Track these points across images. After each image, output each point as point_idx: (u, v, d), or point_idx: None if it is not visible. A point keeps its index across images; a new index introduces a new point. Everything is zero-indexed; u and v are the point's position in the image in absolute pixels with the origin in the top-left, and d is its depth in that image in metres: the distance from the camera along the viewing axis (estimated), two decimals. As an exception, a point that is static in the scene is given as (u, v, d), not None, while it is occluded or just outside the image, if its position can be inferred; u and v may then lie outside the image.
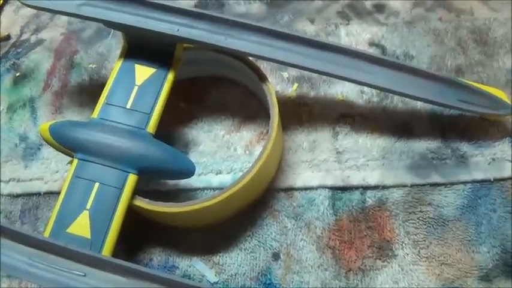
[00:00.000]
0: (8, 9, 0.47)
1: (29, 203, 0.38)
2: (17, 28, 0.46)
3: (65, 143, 0.34)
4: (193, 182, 0.36)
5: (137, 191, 0.33)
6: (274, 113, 0.35)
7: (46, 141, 0.34)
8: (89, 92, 0.41)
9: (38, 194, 0.38)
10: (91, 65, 0.42)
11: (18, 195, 0.38)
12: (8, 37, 0.45)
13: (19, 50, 0.44)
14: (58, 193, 0.37)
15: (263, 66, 0.37)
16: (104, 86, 0.36)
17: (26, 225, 0.37)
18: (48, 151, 0.39)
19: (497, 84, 0.40)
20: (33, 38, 0.45)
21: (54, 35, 0.45)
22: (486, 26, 0.43)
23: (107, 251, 0.32)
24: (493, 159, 0.37)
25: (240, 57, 0.37)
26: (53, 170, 0.39)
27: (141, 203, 0.33)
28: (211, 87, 0.40)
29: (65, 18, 0.45)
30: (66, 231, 0.32)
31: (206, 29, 0.35)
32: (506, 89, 0.40)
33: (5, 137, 0.40)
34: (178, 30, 0.35)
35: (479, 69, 0.41)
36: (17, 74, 0.43)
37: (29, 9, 0.37)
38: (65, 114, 0.40)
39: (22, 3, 0.35)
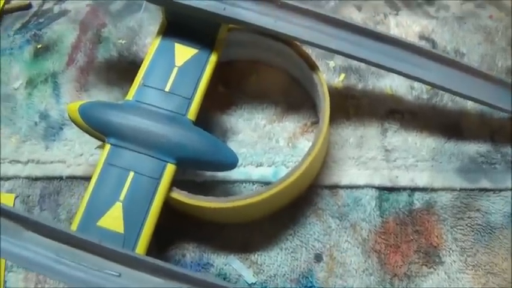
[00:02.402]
0: (28, -24, 0.41)
1: (50, 188, 0.33)
2: (38, -4, 0.40)
3: (96, 125, 0.28)
4: (231, 173, 0.31)
5: (174, 181, 0.28)
6: (326, 106, 0.30)
7: (75, 123, 0.29)
8: (118, 69, 0.35)
9: (60, 178, 0.33)
10: (120, 41, 0.36)
11: (37, 178, 0.33)
12: (29, 6, 0.39)
13: (41, 20, 0.38)
14: (82, 178, 0.33)
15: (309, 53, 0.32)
16: (135, 63, 0.30)
17: (45, 211, 0.32)
18: (72, 132, 0.34)
19: (548, 88, 0.36)
20: (56, 8, 0.39)
21: (80, 6, 0.38)
22: (537, 26, 0.38)
23: (141, 247, 0.27)
24: (543, 167, 0.33)
25: (289, 41, 0.32)
26: (77, 153, 0.33)
27: (180, 196, 0.28)
28: (251, 71, 0.35)
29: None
30: (97, 224, 0.27)
31: (254, 9, 0.30)
32: (555, 93, 0.36)
33: (23, 114, 0.35)
34: (224, 9, 0.30)
35: (530, 71, 0.36)
36: (39, 46, 0.37)
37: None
38: (91, 93, 0.35)
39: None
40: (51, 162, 0.34)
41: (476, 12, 0.39)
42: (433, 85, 0.32)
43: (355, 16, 0.37)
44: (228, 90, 0.35)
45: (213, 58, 0.31)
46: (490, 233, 0.32)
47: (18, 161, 0.34)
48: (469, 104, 0.34)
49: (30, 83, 0.36)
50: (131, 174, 0.28)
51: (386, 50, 0.31)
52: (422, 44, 0.36)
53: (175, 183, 0.29)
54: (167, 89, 0.30)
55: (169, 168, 0.28)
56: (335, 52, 0.30)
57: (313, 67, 0.31)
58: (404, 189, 0.32)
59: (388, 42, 0.31)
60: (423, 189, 0.32)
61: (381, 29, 0.36)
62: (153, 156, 0.28)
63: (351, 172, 0.32)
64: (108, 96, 0.34)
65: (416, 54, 0.31)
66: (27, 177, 0.33)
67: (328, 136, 0.32)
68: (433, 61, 0.32)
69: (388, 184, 0.32)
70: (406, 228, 0.31)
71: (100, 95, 0.35)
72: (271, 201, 0.29)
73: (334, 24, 0.31)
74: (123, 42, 0.36)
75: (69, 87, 0.35)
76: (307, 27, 0.31)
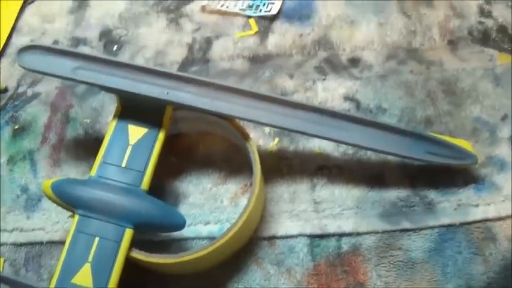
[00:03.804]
0: (4, 62, 0.54)
1: (32, 252, 0.45)
2: (13, 81, 0.53)
3: (66, 200, 0.40)
4: (184, 232, 0.43)
5: (133, 242, 0.40)
6: (257, 169, 0.42)
7: (49, 198, 0.41)
8: (85, 146, 0.48)
9: (41, 243, 0.45)
10: (86, 120, 0.49)
11: (21, 244, 0.45)
12: (5, 89, 0.52)
13: (16, 103, 0.51)
14: (59, 242, 0.45)
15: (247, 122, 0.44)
16: (98, 140, 0.42)
17: (30, 272, 0.44)
18: (48, 202, 0.45)
19: (464, 132, 0.47)
20: (29, 91, 0.52)
21: (50, 89, 0.52)
22: (455, 76, 0.50)
23: (108, 300, 0.39)
24: (459, 205, 0.44)
25: (225, 117, 0.44)
26: (54, 221, 0.45)
27: (138, 255, 0.40)
28: (199, 142, 0.47)
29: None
30: (71, 282, 0.39)
31: (193, 92, 0.42)
32: (472, 137, 0.47)
33: (7, 188, 0.47)
34: (167, 93, 0.42)
35: (448, 119, 0.48)
36: (16, 127, 0.50)
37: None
38: (63, 167, 0.47)
39: (20, 65, 0.42)
40: (33, 229, 0.45)
41: (398, 69, 0.51)
42: (353, 145, 0.43)
43: (287, 84, 0.49)
44: (179, 160, 0.47)
45: (161, 135, 0.43)
46: (412, 268, 0.43)
47: (5, 230, 0.46)
48: (391, 156, 0.46)
49: (11, 160, 0.48)
50: (97, 239, 0.40)
51: (310, 118, 0.42)
52: (347, 104, 0.48)
53: (138, 243, 0.40)
54: (123, 164, 0.42)
55: (128, 233, 0.40)
56: (264, 125, 0.42)
57: (246, 137, 0.43)
58: (332, 235, 0.43)
59: (311, 111, 0.43)
60: (349, 234, 0.43)
61: (309, 94, 0.48)
62: (113, 223, 0.40)
63: (286, 224, 0.44)
64: (77, 170, 0.47)
65: (338, 119, 0.43)
66: (13, 244, 0.45)
67: (262, 194, 0.43)
68: (353, 123, 0.43)
69: (318, 232, 0.43)
70: (336, 269, 0.43)
71: (70, 169, 0.47)
72: (216, 254, 0.41)
73: (263, 100, 0.42)
74: (88, 121, 0.49)
75: (44, 163, 0.48)
76: (239, 105, 0.42)
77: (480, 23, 0.54)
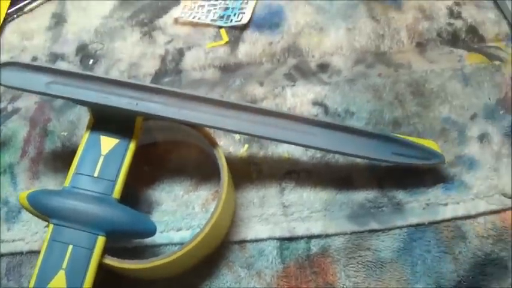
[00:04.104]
0: (-15, 79, 0.58)
1: (13, 262, 0.47)
2: (-6, 97, 0.56)
3: (41, 210, 0.43)
4: (156, 238, 0.46)
5: (108, 249, 0.43)
6: (224, 176, 0.44)
7: (25, 209, 0.44)
8: (62, 158, 0.51)
9: (21, 253, 0.48)
10: (63, 133, 0.52)
11: (2, 255, 0.48)
12: (-14, 106, 0.56)
13: (-3, 119, 0.55)
14: (38, 252, 0.47)
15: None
16: (75, 152, 0.45)
17: (11, 281, 0.47)
18: (28, 214, 0.48)
19: (433, 133, 0.50)
20: (9, 107, 0.55)
21: (29, 104, 0.55)
22: (423, 78, 0.52)
23: (81, 305, 0.42)
24: (427, 205, 0.46)
25: (193, 125, 0.46)
26: (33, 232, 0.48)
27: (110, 261, 0.43)
28: (171, 150, 0.50)
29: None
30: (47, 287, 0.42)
31: (161, 102, 0.45)
32: (441, 137, 0.49)
33: (-12, 202, 0.51)
34: (137, 104, 0.45)
35: (416, 120, 0.50)
36: (-3, 142, 0.53)
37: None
38: (42, 180, 0.50)
39: (-2, 83, 0.45)
40: (13, 240, 0.48)
41: (366, 73, 0.53)
42: (320, 149, 0.46)
43: (257, 91, 0.52)
44: (152, 168, 0.49)
45: (132, 145, 0.45)
46: (381, 268, 0.45)
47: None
48: (358, 158, 0.48)
49: (-7, 174, 0.52)
50: (70, 247, 0.43)
51: (277, 124, 0.45)
52: (315, 109, 0.50)
53: (113, 249, 0.43)
54: (96, 174, 0.45)
55: (100, 240, 0.43)
56: (231, 132, 0.45)
57: (214, 144, 0.46)
58: (301, 238, 0.46)
59: (277, 117, 0.45)
60: (318, 236, 0.45)
61: (278, 101, 0.51)
62: (86, 231, 0.43)
63: (256, 228, 0.46)
64: (55, 182, 0.50)
65: (303, 124, 0.45)
66: (-5, 255, 0.49)
67: (231, 199, 0.46)
68: (319, 127, 0.45)
69: (287, 235, 0.46)
70: (305, 271, 0.45)
71: (49, 181, 0.50)
72: (186, 259, 0.43)
73: (229, 107, 0.45)
74: (65, 134, 0.52)
75: (24, 176, 0.51)
76: (206, 113, 0.45)
77: (449, 24, 0.56)
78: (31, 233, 0.48)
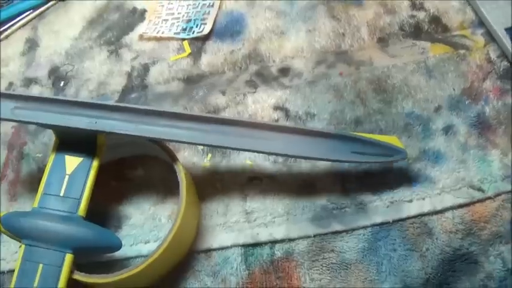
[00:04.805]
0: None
1: (-4, 281, 0.50)
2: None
3: (13, 231, 0.45)
4: (126, 252, 0.47)
5: (82, 265, 0.44)
6: (183, 189, 0.45)
7: (0, 231, 0.46)
8: (38, 179, 0.51)
9: (2, 272, 0.50)
10: (38, 155, 0.55)
11: (-15, 275, 0.51)
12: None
13: (-24, 145, 0.57)
14: (15, 271, 0.50)
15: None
16: (44, 174, 0.47)
17: (-7, 299, 0.50)
18: (7, 235, 0.51)
19: (396, 129, 0.49)
20: (-12, 133, 0.58)
21: (7, 129, 0.57)
22: (385, 73, 0.52)
23: (52, 321, 0.43)
24: (391, 203, 0.46)
25: (150, 140, 0.47)
26: (13, 251, 0.51)
27: (79, 276, 0.44)
28: (138, 165, 0.52)
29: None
30: (21, 305, 0.44)
31: (119, 119, 0.46)
32: (404, 133, 0.49)
33: (-30, 224, 0.53)
34: (96, 122, 0.46)
35: (378, 117, 0.50)
36: (-23, 167, 0.56)
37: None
38: (20, 201, 0.53)
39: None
40: (-5, 260, 0.51)
41: (327, 73, 0.53)
42: (279, 154, 0.46)
43: (219, 101, 0.53)
44: (120, 183, 0.51)
45: (95, 163, 0.47)
46: (346, 269, 0.45)
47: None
48: (319, 161, 0.48)
49: (-26, 198, 0.54)
50: (41, 265, 0.44)
51: (233, 132, 0.45)
52: (276, 114, 0.51)
53: (85, 265, 0.45)
54: (61, 193, 0.46)
55: (68, 257, 0.44)
56: (189, 144, 0.46)
57: (173, 158, 0.47)
58: (265, 243, 0.46)
59: (235, 125, 0.46)
60: (282, 241, 0.46)
61: (240, 108, 0.52)
62: (54, 250, 0.45)
63: (220, 236, 0.47)
64: (32, 202, 0.51)
65: (258, 130, 0.45)
66: (-23, 274, 0.51)
67: (195, 210, 0.47)
68: (275, 132, 0.45)
69: (251, 241, 0.46)
70: (270, 276, 0.45)
71: (26, 202, 0.52)
72: (150, 270, 0.44)
73: (185, 119, 0.46)
74: (40, 155, 0.54)
75: (3, 199, 0.53)
76: (164, 126, 0.46)
77: (412, 16, 0.56)
78: (11, 252, 0.51)
